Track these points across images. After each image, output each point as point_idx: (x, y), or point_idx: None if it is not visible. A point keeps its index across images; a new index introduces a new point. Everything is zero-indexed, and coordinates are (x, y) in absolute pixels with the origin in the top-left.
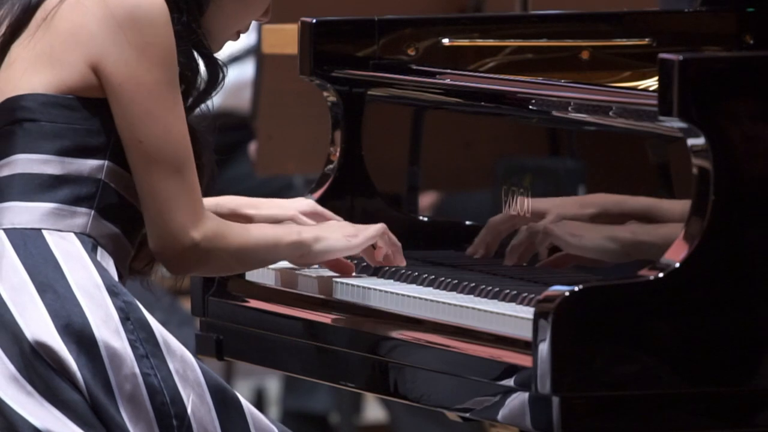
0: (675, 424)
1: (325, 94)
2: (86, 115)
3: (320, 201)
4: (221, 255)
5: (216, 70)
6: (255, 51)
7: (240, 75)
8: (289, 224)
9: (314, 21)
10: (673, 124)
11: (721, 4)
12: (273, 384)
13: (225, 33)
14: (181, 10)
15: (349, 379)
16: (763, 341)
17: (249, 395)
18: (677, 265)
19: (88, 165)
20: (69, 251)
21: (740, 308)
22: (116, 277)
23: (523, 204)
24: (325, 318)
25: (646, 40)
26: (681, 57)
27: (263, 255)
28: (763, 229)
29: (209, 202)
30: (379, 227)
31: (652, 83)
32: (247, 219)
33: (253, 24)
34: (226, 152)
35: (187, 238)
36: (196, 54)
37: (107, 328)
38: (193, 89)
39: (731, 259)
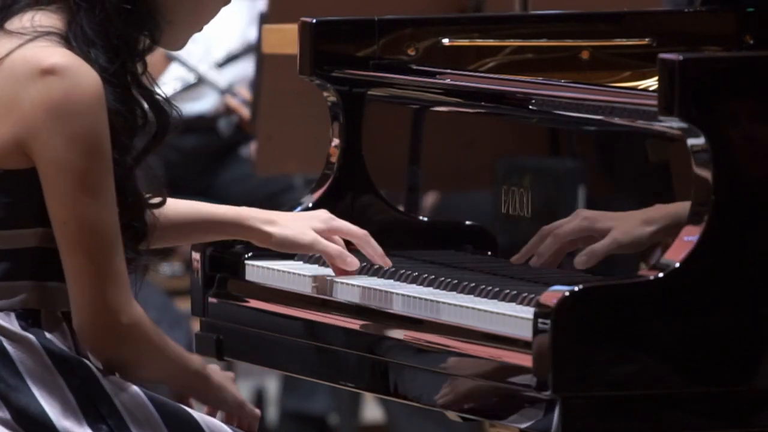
0: (675, 424)
1: (325, 94)
2: (15, 187)
3: (320, 201)
4: (140, 343)
5: (161, 110)
6: (255, 51)
7: (240, 74)
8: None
9: (314, 21)
10: (673, 124)
11: (721, 4)
12: (272, 384)
13: (189, 33)
14: (117, 50)
15: (348, 379)
16: (763, 341)
17: (249, 395)
18: (677, 265)
19: (22, 235)
20: (14, 334)
21: (740, 308)
22: (68, 346)
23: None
24: (325, 318)
25: (646, 40)
26: (681, 57)
27: (168, 369)
28: (763, 229)
29: (229, 211)
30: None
31: (652, 83)
32: (266, 235)
33: (253, 24)
34: (226, 152)
35: (113, 319)
36: (138, 96)
37: (67, 417)
38: (136, 132)
39: (731, 259)
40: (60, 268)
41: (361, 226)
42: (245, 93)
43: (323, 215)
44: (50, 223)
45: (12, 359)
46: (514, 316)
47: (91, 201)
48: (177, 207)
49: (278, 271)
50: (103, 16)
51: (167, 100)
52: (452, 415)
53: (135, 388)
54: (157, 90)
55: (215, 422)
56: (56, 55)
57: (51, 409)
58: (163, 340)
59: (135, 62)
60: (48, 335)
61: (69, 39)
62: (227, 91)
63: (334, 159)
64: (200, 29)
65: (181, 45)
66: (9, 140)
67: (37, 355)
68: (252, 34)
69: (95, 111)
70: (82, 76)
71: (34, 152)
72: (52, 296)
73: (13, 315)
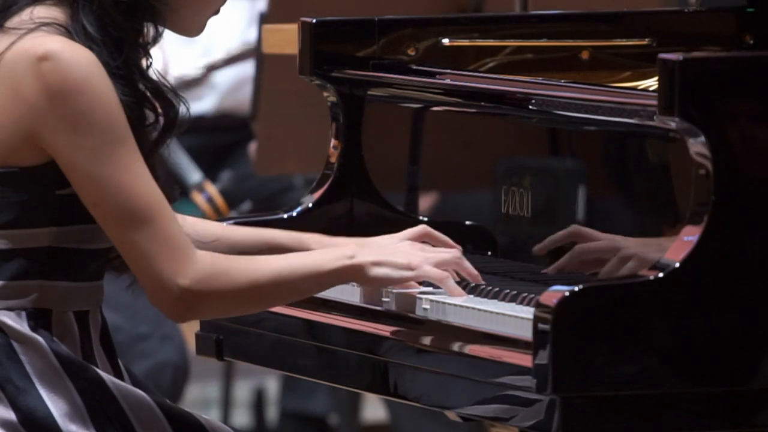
0: (675, 424)
1: (325, 94)
2: (31, 185)
3: (320, 201)
4: (222, 296)
5: (168, 102)
6: (255, 51)
7: (240, 75)
8: (339, 246)
9: (314, 21)
10: (673, 124)
11: (721, 4)
12: (272, 384)
13: (202, 17)
14: (119, 44)
15: (349, 379)
16: (763, 341)
17: (249, 395)
18: (677, 265)
19: (36, 234)
20: (23, 335)
21: (740, 308)
22: (75, 350)
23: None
24: (325, 318)
25: (646, 40)
26: (681, 57)
27: (291, 288)
28: (763, 229)
29: (291, 236)
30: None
31: (652, 83)
32: None
33: (253, 24)
34: (226, 152)
35: (173, 287)
36: (145, 89)
37: (73, 421)
38: (147, 125)
39: (731, 259)
40: (71, 267)
41: (361, 227)
42: (212, 190)
43: (420, 229)
44: (63, 222)
45: (21, 361)
46: (514, 316)
47: (112, 174)
48: (239, 231)
49: None
50: (101, 11)
51: (175, 92)
52: (452, 415)
53: (141, 392)
54: (164, 82)
55: (220, 425)
56: (50, 42)
57: (58, 411)
58: (253, 276)
59: (139, 55)
60: (56, 338)
61: (71, 34)
62: (195, 187)
63: (333, 159)
64: (216, 12)
65: (197, 30)
66: (20, 133)
67: (45, 356)
68: (252, 34)
69: (94, 86)
70: (76, 56)
71: (46, 142)
72: (63, 296)
73: (24, 314)
